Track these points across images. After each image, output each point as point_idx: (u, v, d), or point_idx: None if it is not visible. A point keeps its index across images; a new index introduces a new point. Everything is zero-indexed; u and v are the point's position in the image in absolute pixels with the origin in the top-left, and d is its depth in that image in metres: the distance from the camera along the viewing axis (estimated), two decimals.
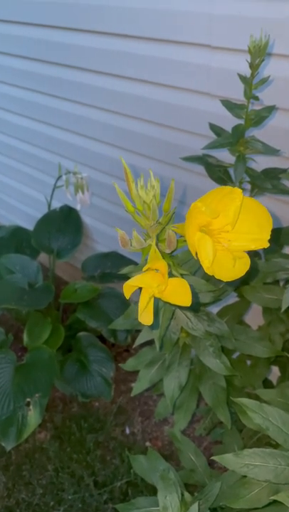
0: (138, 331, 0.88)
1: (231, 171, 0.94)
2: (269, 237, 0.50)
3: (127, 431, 1.55)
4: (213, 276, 0.47)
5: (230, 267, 0.49)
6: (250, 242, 0.51)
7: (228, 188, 0.49)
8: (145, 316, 0.47)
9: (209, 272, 0.47)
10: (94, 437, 1.54)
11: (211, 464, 1.31)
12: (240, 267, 0.50)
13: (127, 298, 0.46)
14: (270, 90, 0.98)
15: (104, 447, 1.51)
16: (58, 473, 1.44)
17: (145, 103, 1.32)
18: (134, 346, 0.88)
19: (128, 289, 0.45)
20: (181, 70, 1.18)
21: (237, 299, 1.09)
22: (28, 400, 1.36)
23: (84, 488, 1.40)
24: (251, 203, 0.51)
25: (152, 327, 0.71)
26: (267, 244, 0.50)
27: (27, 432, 1.34)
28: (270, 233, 0.50)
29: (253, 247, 0.51)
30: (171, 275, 0.56)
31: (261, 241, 0.51)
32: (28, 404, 1.35)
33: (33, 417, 1.34)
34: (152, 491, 0.76)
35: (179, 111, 1.25)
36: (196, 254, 0.47)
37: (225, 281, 0.49)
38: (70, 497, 1.38)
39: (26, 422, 1.34)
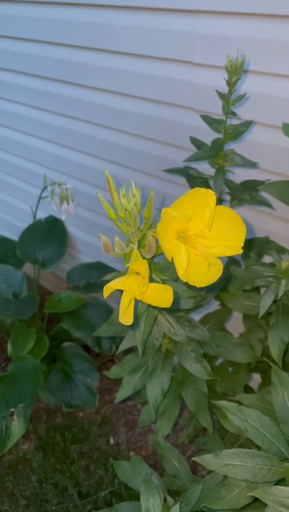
0: (123, 340, 0.90)
1: (212, 183, 0.98)
2: (242, 245, 0.53)
3: (112, 441, 1.56)
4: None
5: (204, 273, 0.51)
6: (226, 249, 0.54)
7: (201, 191, 0.50)
8: (125, 317, 0.49)
9: (183, 279, 0.49)
10: (78, 448, 1.53)
11: (195, 471, 1.33)
12: (214, 273, 0.52)
13: (105, 298, 0.48)
14: (249, 105, 1.03)
15: (89, 457, 1.50)
16: (42, 484, 1.43)
17: (130, 117, 1.36)
18: (117, 352, 0.90)
19: (107, 290, 0.47)
20: (165, 86, 1.22)
21: (219, 307, 1.12)
22: (12, 410, 1.35)
23: (68, 498, 1.39)
24: (227, 212, 0.54)
25: (133, 328, 0.73)
26: (241, 251, 0.53)
27: (11, 443, 1.33)
28: (244, 240, 0.53)
29: (229, 253, 0.54)
30: (151, 280, 0.59)
31: (236, 248, 0.53)
32: (11, 414, 1.35)
33: (16, 427, 1.34)
34: (137, 499, 0.76)
35: (163, 124, 1.28)
36: (172, 259, 0.49)
37: (198, 287, 0.51)
38: (53, 508, 1.37)
39: (10, 433, 1.33)
